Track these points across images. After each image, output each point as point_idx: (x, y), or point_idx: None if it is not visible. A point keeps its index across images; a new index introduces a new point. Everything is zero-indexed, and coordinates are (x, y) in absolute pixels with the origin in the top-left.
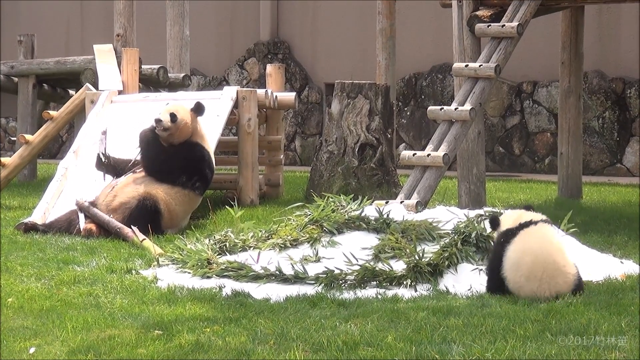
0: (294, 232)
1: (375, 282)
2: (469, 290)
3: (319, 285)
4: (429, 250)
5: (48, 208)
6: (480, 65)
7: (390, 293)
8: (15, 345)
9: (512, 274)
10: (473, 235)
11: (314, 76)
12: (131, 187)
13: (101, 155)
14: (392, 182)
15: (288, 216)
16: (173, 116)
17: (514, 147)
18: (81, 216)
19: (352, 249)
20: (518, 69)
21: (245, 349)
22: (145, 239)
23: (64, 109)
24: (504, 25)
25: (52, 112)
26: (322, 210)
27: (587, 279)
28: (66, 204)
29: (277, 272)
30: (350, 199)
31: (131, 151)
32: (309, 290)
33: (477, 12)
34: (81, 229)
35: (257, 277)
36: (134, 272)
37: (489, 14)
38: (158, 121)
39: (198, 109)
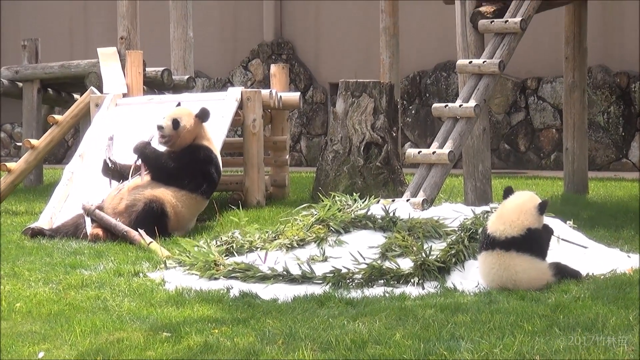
0: (301, 232)
1: (382, 281)
2: (476, 286)
3: (327, 284)
4: (436, 247)
5: (55, 213)
6: (484, 62)
7: (397, 291)
8: (24, 349)
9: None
10: (480, 231)
11: (318, 76)
12: (138, 190)
13: (108, 161)
14: (398, 181)
15: (294, 216)
16: (175, 122)
17: (520, 144)
18: (88, 220)
19: (359, 248)
20: (522, 65)
21: (253, 349)
22: (152, 241)
23: (68, 113)
24: (507, 20)
25: (57, 117)
26: (329, 209)
27: (595, 273)
28: (73, 208)
29: (285, 272)
30: (356, 198)
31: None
32: (317, 289)
33: (480, 8)
34: (88, 233)
35: (264, 278)
36: (141, 274)
37: (492, 9)
38: (160, 127)
39: (203, 115)
